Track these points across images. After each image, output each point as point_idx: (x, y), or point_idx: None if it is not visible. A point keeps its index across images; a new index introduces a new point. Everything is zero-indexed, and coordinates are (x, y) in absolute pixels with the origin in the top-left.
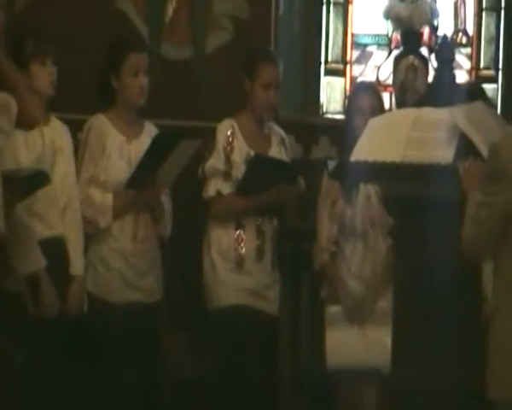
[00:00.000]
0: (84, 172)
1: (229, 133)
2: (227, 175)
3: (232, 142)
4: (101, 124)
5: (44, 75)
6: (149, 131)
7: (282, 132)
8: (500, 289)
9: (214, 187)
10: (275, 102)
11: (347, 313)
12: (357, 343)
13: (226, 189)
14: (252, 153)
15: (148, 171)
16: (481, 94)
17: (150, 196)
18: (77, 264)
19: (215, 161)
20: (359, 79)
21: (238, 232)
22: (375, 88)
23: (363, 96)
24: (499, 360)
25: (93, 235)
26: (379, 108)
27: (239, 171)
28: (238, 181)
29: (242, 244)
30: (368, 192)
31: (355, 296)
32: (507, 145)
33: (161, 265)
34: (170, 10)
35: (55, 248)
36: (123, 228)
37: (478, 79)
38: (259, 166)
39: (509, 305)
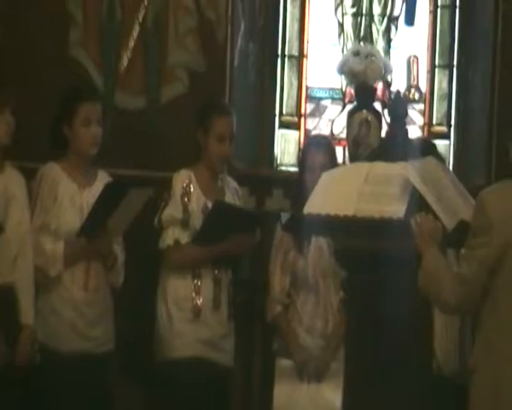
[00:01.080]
0: (35, 220)
1: (186, 183)
2: (185, 224)
3: (189, 191)
4: (54, 172)
5: (2, 124)
6: (103, 179)
7: (235, 184)
8: (481, 348)
9: (172, 236)
10: (229, 154)
11: (298, 368)
12: (305, 401)
13: (184, 238)
14: (208, 203)
15: (99, 219)
16: (433, 150)
17: (102, 244)
18: (27, 313)
19: (172, 210)
20: (313, 133)
21: (195, 282)
22: (328, 143)
23: (316, 153)
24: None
25: (44, 283)
26: (331, 164)
27: (196, 220)
28: (195, 231)
29: (199, 294)
30: (320, 244)
31: (306, 350)
32: (493, 199)
33: (113, 314)
34: (125, 60)
35: (5, 297)
36: (74, 277)
37: (430, 135)
38: (220, 213)
39: (489, 364)
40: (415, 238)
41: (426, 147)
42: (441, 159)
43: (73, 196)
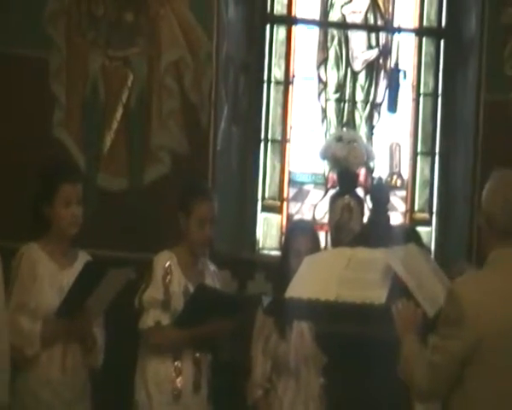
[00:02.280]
0: (13, 299)
1: (167, 264)
2: (166, 306)
3: (171, 273)
4: (34, 252)
5: None
6: (83, 260)
7: (214, 267)
8: None
9: (153, 317)
10: (210, 238)
11: None
12: None
13: (165, 319)
14: (189, 285)
15: (78, 299)
16: (415, 237)
17: (80, 325)
18: (2, 393)
19: (154, 292)
20: (296, 217)
21: (176, 364)
22: (312, 229)
23: (300, 238)
24: None
25: (21, 363)
26: (315, 249)
27: (177, 302)
28: (176, 312)
29: (180, 377)
30: (301, 329)
31: None
32: (466, 292)
33: (91, 396)
34: (108, 141)
35: None
36: (51, 357)
37: (412, 222)
38: (202, 297)
39: None
40: (395, 324)
41: (408, 234)
42: (423, 246)
43: (53, 277)
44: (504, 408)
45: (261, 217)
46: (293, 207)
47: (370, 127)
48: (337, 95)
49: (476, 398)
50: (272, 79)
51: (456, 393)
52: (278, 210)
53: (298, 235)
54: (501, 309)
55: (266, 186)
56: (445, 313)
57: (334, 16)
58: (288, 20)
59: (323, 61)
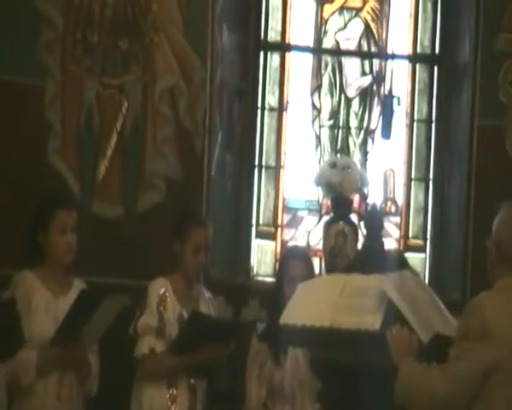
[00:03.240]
0: None
1: (162, 291)
2: (160, 333)
3: (165, 300)
4: (29, 280)
5: None
6: (78, 287)
7: (209, 294)
8: None
9: (147, 345)
10: (204, 264)
11: None
12: None
13: (159, 347)
14: (184, 312)
15: (73, 327)
16: (403, 262)
17: (76, 353)
18: None
19: (148, 319)
20: (290, 244)
21: (171, 391)
22: (306, 255)
23: (295, 264)
24: None
25: (16, 392)
26: (309, 275)
27: (172, 329)
28: (170, 339)
29: (175, 403)
30: (296, 355)
31: None
32: (490, 308)
33: None
34: (102, 168)
35: None
36: (47, 386)
37: (406, 248)
38: (197, 324)
39: None
40: (390, 351)
41: (396, 259)
42: (414, 272)
43: (48, 305)
44: None
45: (255, 243)
46: (288, 234)
47: (364, 153)
48: (331, 121)
49: None
50: (266, 106)
51: (477, 407)
52: (272, 236)
53: (292, 261)
54: None
55: (260, 213)
56: (468, 326)
57: (327, 43)
58: (282, 47)
59: (317, 88)
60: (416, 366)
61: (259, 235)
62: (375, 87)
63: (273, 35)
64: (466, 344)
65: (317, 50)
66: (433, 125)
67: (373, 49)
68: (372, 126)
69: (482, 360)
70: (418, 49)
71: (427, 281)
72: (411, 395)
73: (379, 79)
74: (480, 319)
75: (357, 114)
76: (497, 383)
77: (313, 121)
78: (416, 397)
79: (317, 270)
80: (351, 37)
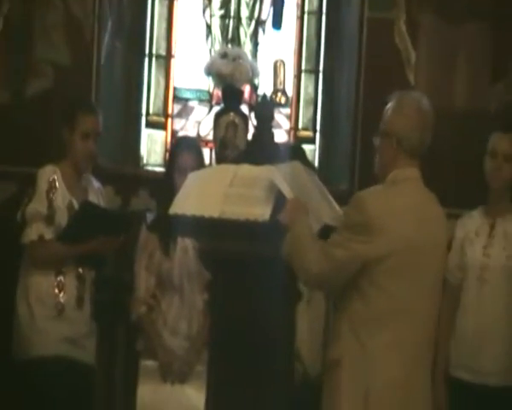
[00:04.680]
0: None
1: (51, 178)
2: (49, 220)
3: (55, 187)
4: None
5: None
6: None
7: (99, 184)
8: (347, 336)
9: (36, 231)
10: (93, 152)
11: (162, 369)
12: (169, 401)
13: (48, 234)
14: (73, 200)
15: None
16: (301, 154)
17: None
18: None
19: (37, 205)
20: (180, 134)
21: (59, 279)
22: (197, 146)
23: (186, 155)
24: (345, 407)
25: None
26: (199, 166)
27: (61, 217)
28: (59, 227)
29: (63, 291)
30: (185, 246)
31: (170, 351)
32: (375, 204)
33: None
34: None
35: None
36: None
37: (296, 140)
38: (87, 213)
39: (356, 357)
40: (284, 213)
41: (294, 151)
42: (309, 163)
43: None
44: (400, 319)
45: (145, 133)
46: (178, 124)
47: (255, 44)
48: (222, 11)
49: (376, 307)
50: None
51: (356, 299)
52: (163, 126)
53: (183, 151)
54: (405, 227)
55: (150, 102)
56: (351, 219)
57: None
58: None
59: None
60: (310, 229)
61: (149, 124)
62: None
63: None
64: (347, 234)
65: None
66: (324, 17)
67: None
68: (263, 17)
69: (361, 252)
70: None
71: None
72: (292, 258)
73: None
74: (362, 214)
75: (248, 4)
76: (375, 280)
77: (204, 10)
78: (295, 263)
79: (207, 160)
80: None
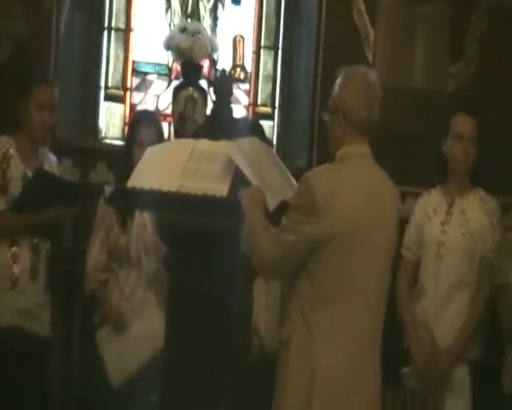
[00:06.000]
0: None
1: (5, 149)
2: (2, 190)
3: (9, 157)
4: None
5: None
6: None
7: (55, 158)
8: (296, 317)
9: None
10: (50, 123)
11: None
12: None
13: (1, 204)
14: (28, 171)
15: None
16: (259, 130)
17: None
18: None
19: None
20: (139, 107)
21: (13, 250)
22: (156, 119)
23: (145, 129)
24: (291, 387)
25: None
26: (159, 140)
27: (15, 187)
28: (13, 198)
29: (17, 262)
30: (143, 220)
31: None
32: (320, 182)
33: None
34: None
35: None
36: None
37: (255, 116)
38: (41, 181)
39: (304, 338)
40: (241, 202)
41: (252, 127)
42: (267, 139)
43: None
44: (347, 298)
45: (104, 106)
46: (137, 97)
47: (214, 19)
48: None
49: (322, 288)
50: None
51: (303, 279)
52: (121, 99)
53: (142, 125)
54: (353, 206)
55: (109, 75)
56: (298, 200)
57: None
58: None
59: None
60: (262, 219)
61: (108, 97)
62: None
63: None
64: (296, 216)
65: None
66: None
67: None
68: None
69: (309, 233)
70: None
71: (274, 149)
72: (249, 247)
73: None
74: (309, 194)
75: None
76: (323, 260)
77: None
78: (250, 250)
79: (165, 135)
80: None
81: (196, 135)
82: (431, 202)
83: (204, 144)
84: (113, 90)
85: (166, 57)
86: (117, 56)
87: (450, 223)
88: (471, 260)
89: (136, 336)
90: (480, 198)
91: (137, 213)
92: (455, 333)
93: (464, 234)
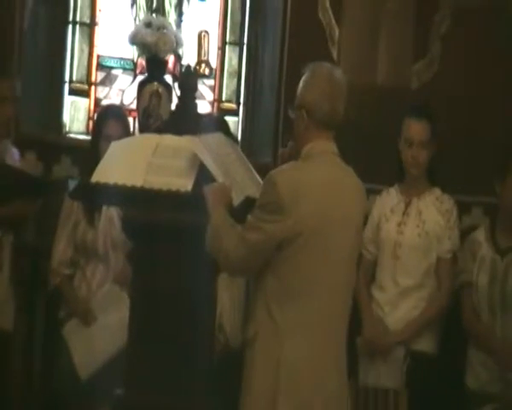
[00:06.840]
0: None
1: None
2: None
3: None
4: None
5: None
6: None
7: (16, 151)
8: (261, 314)
9: None
10: (10, 117)
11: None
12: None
13: None
14: None
15: None
16: (224, 126)
17: None
18: None
19: None
20: (104, 102)
21: None
22: (122, 114)
23: (112, 123)
24: (256, 388)
25: None
26: (125, 135)
27: None
28: None
29: None
30: (111, 215)
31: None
32: (284, 181)
33: None
34: None
35: None
36: None
37: (220, 112)
38: (3, 175)
39: (270, 335)
40: (206, 199)
41: (217, 123)
42: (232, 135)
43: None
44: (312, 294)
45: (68, 100)
46: (101, 92)
47: (180, 14)
48: None
49: (288, 286)
50: None
51: (269, 277)
52: (86, 94)
53: (109, 120)
54: (317, 204)
55: (74, 69)
56: (264, 198)
57: None
58: None
59: None
60: (227, 219)
61: (73, 92)
62: None
63: None
64: (261, 215)
65: None
66: None
67: None
68: None
69: (274, 232)
70: None
71: (239, 145)
72: (214, 247)
73: None
74: (273, 194)
75: None
76: (288, 257)
77: None
78: (216, 249)
79: (130, 130)
80: None
81: (161, 130)
82: (389, 201)
83: (169, 140)
84: (77, 85)
85: (131, 52)
86: (82, 51)
87: (407, 223)
88: (427, 260)
89: (104, 329)
90: (435, 198)
91: (105, 208)
92: (406, 323)
93: (420, 234)
